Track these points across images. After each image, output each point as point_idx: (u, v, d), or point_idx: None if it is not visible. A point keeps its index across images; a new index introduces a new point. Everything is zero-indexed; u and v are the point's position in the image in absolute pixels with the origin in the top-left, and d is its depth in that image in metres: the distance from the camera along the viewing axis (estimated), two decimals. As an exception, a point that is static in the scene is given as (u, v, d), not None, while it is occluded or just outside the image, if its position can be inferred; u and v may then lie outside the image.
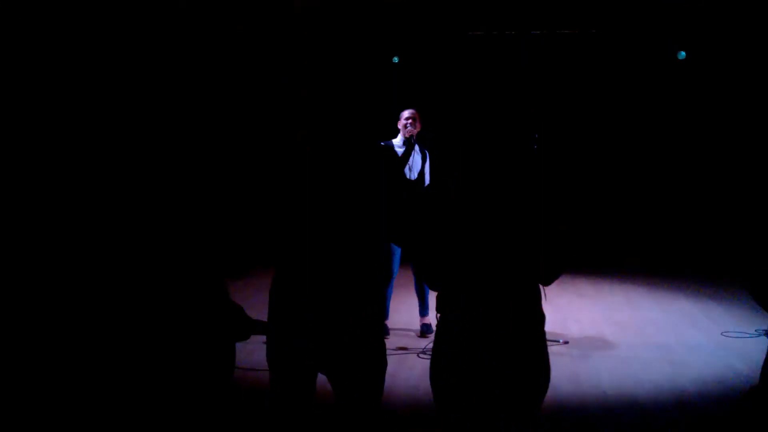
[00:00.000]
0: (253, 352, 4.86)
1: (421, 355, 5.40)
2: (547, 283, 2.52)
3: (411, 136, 5.79)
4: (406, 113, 5.89)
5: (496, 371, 2.45)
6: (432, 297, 5.55)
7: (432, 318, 5.77)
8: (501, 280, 2.46)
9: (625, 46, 10.14)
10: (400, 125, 5.88)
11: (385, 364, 2.77)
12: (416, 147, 5.86)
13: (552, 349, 2.60)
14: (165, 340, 2.42)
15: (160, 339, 2.41)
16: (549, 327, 2.57)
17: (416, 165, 5.91)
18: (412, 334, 6.02)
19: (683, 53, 10.02)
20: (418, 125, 5.86)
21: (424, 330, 5.94)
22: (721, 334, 6.06)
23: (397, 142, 5.88)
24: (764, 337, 5.85)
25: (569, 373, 5.08)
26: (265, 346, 2.74)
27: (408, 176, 5.88)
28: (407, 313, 6.42)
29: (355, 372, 2.68)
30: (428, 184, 2.69)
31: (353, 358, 2.65)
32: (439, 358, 2.55)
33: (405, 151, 5.77)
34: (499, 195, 2.48)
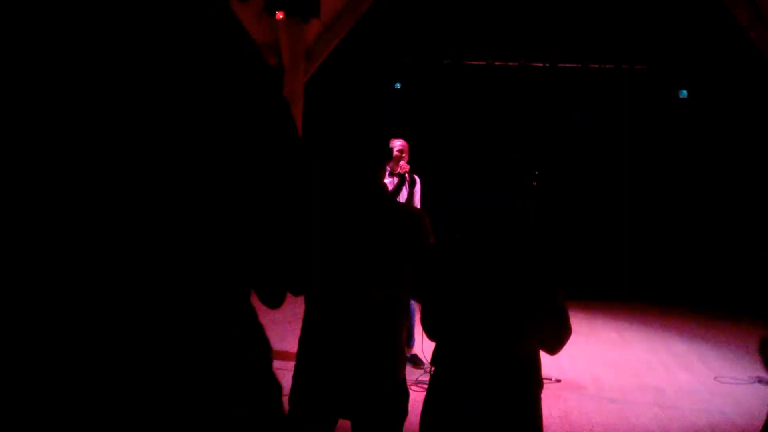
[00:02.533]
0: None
1: (413, 387, 5.32)
2: (552, 352, 2.44)
3: (404, 173, 5.52)
4: (396, 145, 5.60)
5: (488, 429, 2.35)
6: (417, 328, 5.48)
7: (418, 349, 5.63)
8: (501, 339, 2.38)
9: (626, 83, 10.16)
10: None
11: (405, 413, 2.66)
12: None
13: (544, 387, 2.58)
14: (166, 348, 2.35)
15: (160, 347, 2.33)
16: (542, 364, 2.50)
17: (402, 195, 5.72)
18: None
19: (684, 92, 10.02)
20: (406, 157, 5.64)
21: (414, 361, 5.83)
22: (714, 378, 6.00)
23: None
24: (758, 384, 5.78)
25: (560, 412, 5.00)
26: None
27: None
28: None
29: (374, 420, 2.58)
30: (441, 240, 2.63)
31: (374, 407, 2.55)
32: (429, 415, 2.45)
33: (396, 187, 5.54)
34: (503, 254, 2.41)
